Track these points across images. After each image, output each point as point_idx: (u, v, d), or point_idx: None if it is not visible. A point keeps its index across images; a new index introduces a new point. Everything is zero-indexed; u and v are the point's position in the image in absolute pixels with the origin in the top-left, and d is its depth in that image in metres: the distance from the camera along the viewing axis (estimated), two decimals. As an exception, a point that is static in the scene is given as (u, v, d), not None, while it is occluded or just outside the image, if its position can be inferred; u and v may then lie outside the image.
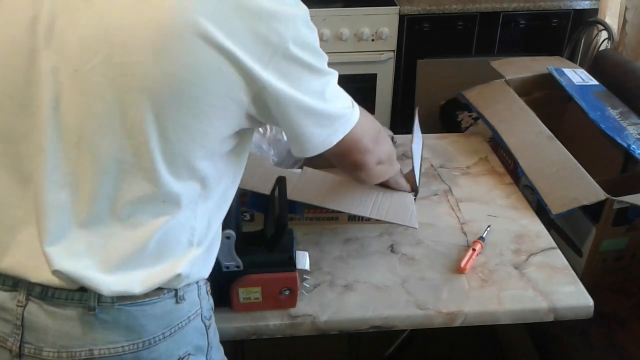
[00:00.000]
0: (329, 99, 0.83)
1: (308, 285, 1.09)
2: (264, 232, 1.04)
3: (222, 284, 1.01)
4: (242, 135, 0.83)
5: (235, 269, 0.99)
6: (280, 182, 1.06)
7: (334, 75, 0.85)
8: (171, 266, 0.80)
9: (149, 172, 0.74)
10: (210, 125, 0.75)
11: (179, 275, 0.80)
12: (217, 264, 0.98)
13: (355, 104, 0.92)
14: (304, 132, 0.83)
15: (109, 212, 0.76)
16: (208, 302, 0.90)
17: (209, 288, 0.91)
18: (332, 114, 0.85)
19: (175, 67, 0.70)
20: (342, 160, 1.01)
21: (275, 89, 0.75)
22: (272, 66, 0.74)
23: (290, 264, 1.02)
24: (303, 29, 0.76)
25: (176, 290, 0.82)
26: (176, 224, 0.79)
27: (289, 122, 0.81)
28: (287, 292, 1.04)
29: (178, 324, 0.82)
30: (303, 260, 1.05)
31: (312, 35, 0.78)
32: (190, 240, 0.82)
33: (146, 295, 0.78)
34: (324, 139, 0.86)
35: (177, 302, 0.82)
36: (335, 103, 0.85)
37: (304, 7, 0.78)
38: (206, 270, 0.88)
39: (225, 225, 0.94)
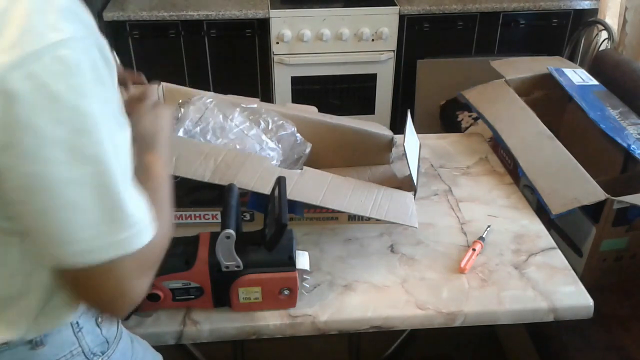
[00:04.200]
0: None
1: (308, 285, 1.09)
2: (264, 232, 1.04)
3: (222, 284, 1.01)
4: None
5: (235, 268, 0.99)
6: (280, 182, 1.06)
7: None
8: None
9: None
10: None
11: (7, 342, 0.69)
12: (217, 264, 0.98)
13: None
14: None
15: None
16: (101, 334, 0.78)
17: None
18: None
19: None
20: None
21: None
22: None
23: (290, 263, 1.02)
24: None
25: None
26: None
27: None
28: (286, 292, 1.03)
29: None
30: (303, 260, 1.04)
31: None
32: (19, 291, 0.67)
33: None
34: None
35: (32, 348, 0.71)
36: None
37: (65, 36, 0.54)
38: (73, 313, 0.73)
39: (225, 225, 0.94)
